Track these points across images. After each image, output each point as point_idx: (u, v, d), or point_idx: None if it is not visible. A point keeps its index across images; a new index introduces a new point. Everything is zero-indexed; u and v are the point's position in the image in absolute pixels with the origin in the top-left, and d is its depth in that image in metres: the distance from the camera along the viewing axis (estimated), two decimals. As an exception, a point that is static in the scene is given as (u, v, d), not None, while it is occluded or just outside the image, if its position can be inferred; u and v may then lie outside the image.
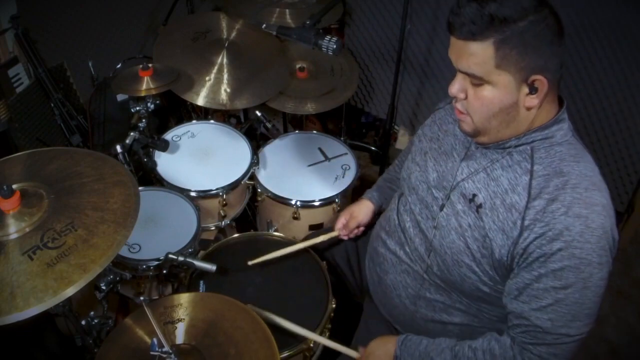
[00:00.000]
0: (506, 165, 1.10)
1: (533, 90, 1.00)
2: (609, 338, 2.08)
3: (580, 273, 0.99)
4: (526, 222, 1.03)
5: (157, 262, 1.50)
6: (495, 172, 1.11)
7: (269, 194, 1.83)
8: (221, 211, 1.82)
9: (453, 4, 1.00)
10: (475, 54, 0.99)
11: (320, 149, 2.02)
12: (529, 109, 1.03)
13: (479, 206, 1.11)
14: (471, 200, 1.13)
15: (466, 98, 1.06)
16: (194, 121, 2.04)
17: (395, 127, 2.72)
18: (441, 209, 1.19)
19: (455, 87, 1.06)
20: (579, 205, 1.00)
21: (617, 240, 1.04)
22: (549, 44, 0.97)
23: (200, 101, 1.86)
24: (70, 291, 0.91)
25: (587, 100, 2.08)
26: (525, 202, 1.04)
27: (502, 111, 1.03)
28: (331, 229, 1.60)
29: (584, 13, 1.92)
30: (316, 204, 1.82)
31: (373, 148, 2.75)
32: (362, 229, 1.59)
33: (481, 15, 0.95)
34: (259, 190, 1.87)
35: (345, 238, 1.60)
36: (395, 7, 2.38)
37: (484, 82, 1.01)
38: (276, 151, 2.01)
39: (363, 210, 1.57)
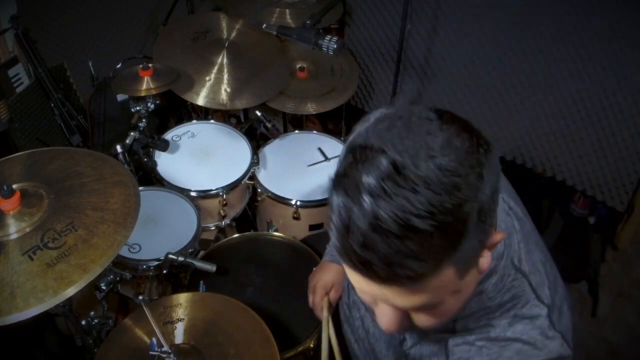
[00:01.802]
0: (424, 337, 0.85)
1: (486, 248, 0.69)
2: (609, 338, 2.08)
3: None
4: None
5: (157, 262, 1.50)
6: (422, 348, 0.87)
7: (269, 194, 1.83)
8: (221, 211, 1.82)
9: (350, 235, 0.58)
10: (426, 289, 0.62)
11: (320, 149, 2.02)
12: (484, 270, 0.70)
13: None
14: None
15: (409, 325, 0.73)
16: (194, 121, 2.04)
17: (395, 127, 2.72)
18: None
19: (393, 325, 0.70)
20: None
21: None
22: (498, 191, 0.64)
23: (200, 101, 1.87)
24: (70, 291, 0.91)
25: (587, 100, 2.08)
26: None
27: (465, 301, 0.73)
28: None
29: (583, 13, 1.92)
30: (316, 204, 1.82)
31: (373, 148, 2.75)
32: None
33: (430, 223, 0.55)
34: (259, 190, 1.87)
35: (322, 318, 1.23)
36: (395, 7, 2.38)
37: (443, 300, 0.67)
38: (276, 151, 2.01)
39: (339, 277, 1.25)
